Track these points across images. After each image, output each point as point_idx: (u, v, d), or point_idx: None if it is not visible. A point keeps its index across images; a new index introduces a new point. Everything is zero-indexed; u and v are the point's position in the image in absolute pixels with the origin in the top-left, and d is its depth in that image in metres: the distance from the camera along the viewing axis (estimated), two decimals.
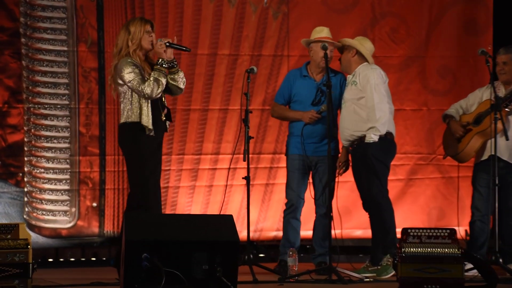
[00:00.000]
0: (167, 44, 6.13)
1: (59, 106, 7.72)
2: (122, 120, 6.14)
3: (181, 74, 6.22)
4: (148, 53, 6.21)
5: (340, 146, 6.94)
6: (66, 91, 7.74)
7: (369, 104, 6.64)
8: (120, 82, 6.09)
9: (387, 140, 6.70)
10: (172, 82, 6.20)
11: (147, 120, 6.05)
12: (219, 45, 8.08)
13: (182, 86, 6.23)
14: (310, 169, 6.92)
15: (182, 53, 7.98)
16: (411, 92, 8.34)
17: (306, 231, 7.22)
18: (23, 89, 7.65)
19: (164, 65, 6.09)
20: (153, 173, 6.12)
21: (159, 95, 6.09)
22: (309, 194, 6.94)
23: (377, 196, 6.65)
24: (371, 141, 6.61)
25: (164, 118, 6.18)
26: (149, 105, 6.08)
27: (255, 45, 8.16)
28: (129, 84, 6.03)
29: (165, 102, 6.24)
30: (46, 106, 7.69)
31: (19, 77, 7.63)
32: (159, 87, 6.03)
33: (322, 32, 6.94)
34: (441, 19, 8.32)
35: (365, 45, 6.86)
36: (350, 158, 6.89)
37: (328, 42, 6.80)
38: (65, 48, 7.71)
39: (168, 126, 6.28)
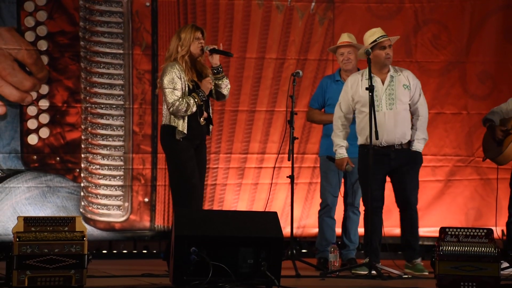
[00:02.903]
0: (211, 50, 6.12)
1: (114, 106, 7.84)
2: (163, 122, 6.14)
3: (226, 81, 6.19)
4: (198, 59, 6.18)
5: None
6: (121, 92, 7.86)
7: (422, 114, 6.50)
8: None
9: None
10: (216, 88, 6.19)
11: (182, 125, 6.04)
12: (267, 49, 8.11)
13: (225, 92, 6.20)
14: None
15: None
16: (451, 96, 8.24)
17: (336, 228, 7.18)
18: (81, 90, 7.78)
19: (200, 95, 6.05)
20: (191, 176, 6.06)
21: (183, 115, 6.03)
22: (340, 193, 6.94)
23: (415, 204, 6.55)
24: (420, 151, 6.49)
25: (204, 122, 6.15)
26: None
27: (301, 49, 8.17)
28: (162, 89, 6.05)
29: (210, 108, 6.21)
30: (102, 106, 7.82)
31: (77, 78, 7.77)
32: (186, 111, 6.01)
33: (342, 38, 7.01)
34: (482, 26, 8.19)
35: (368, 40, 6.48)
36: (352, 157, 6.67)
37: (346, 46, 6.90)
38: (121, 51, 7.84)
39: (210, 130, 6.25)
